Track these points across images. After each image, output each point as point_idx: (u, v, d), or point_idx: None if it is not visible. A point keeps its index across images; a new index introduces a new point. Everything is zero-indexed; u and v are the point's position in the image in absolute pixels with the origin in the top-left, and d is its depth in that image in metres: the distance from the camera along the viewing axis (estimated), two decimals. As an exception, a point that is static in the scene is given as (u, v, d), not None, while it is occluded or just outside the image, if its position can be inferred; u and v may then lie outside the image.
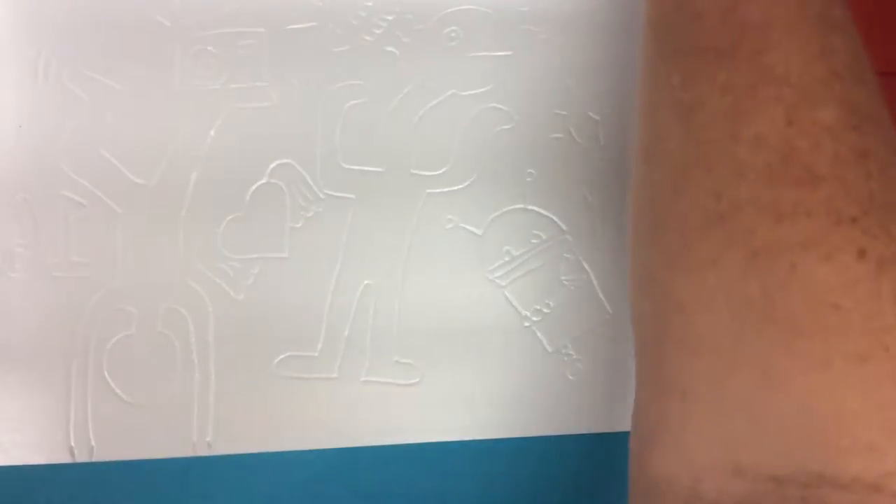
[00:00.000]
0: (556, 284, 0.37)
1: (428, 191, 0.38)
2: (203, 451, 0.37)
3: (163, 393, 0.37)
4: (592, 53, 0.38)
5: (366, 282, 0.37)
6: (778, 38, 0.21)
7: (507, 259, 0.37)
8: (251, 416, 0.37)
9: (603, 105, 0.38)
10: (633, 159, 0.27)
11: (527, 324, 0.37)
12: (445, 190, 0.38)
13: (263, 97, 0.38)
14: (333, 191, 0.38)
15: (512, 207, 0.38)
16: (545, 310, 0.37)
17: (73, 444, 0.37)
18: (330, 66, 0.38)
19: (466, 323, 0.37)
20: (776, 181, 0.20)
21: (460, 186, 0.38)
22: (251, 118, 0.38)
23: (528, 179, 0.38)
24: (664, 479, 0.20)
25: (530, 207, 0.38)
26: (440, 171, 0.38)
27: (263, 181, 0.38)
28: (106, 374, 0.37)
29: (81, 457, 0.37)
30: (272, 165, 0.38)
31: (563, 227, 0.37)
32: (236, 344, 0.37)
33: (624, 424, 0.37)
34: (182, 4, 0.38)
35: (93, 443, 0.37)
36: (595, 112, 0.38)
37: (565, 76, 0.38)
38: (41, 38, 0.38)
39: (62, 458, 0.37)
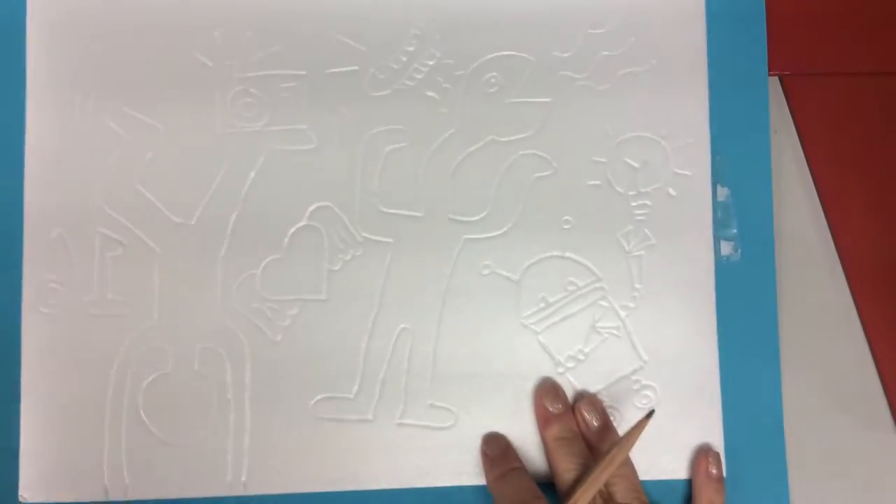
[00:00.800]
0: (591, 332, 0.38)
1: (465, 236, 0.38)
2: (238, 491, 0.37)
3: (198, 432, 0.37)
4: (631, 101, 0.38)
5: (402, 325, 0.38)
6: None
7: (542, 305, 0.38)
8: (286, 456, 0.37)
9: (642, 153, 0.38)
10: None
11: (560, 370, 0.37)
12: (482, 236, 0.38)
13: (304, 140, 0.38)
14: (372, 234, 0.38)
15: (548, 254, 0.38)
16: (579, 356, 0.38)
17: (106, 482, 0.37)
18: (370, 110, 0.38)
19: (501, 368, 0.37)
20: None
21: (497, 233, 0.38)
22: (291, 161, 0.38)
23: (565, 227, 0.38)
24: None
25: (567, 255, 0.38)
26: (478, 217, 0.38)
27: (302, 223, 0.38)
28: (142, 412, 0.37)
29: (115, 495, 0.37)
30: (311, 208, 0.38)
31: (599, 274, 0.38)
32: (272, 385, 0.37)
33: (655, 472, 0.37)
34: (224, 44, 0.38)
35: (127, 481, 0.37)
36: (634, 159, 0.38)
37: (604, 123, 0.38)
38: (81, 75, 0.38)
39: (96, 496, 0.37)
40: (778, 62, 0.39)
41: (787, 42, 0.39)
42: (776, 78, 0.40)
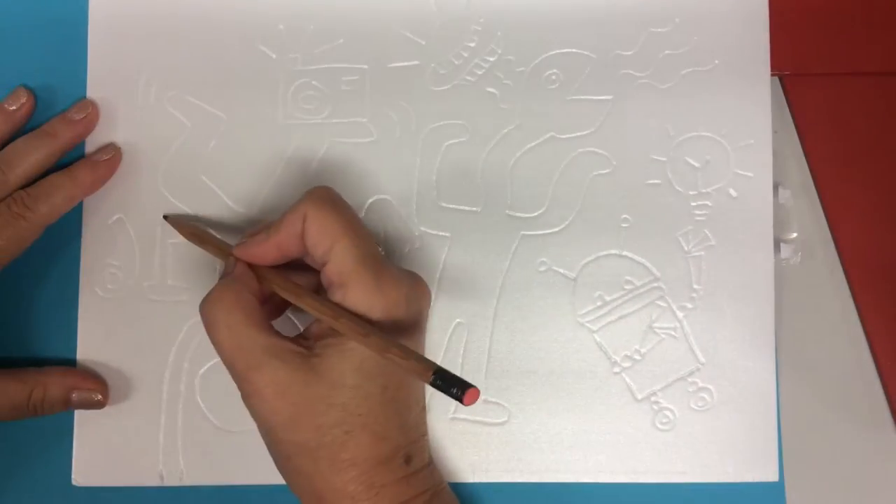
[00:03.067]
0: (648, 332, 0.37)
1: (522, 232, 0.38)
2: (291, 481, 0.37)
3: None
4: (693, 100, 0.38)
5: (457, 320, 0.38)
6: None
7: (598, 304, 0.37)
8: (339, 447, 0.37)
9: (703, 152, 0.38)
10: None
11: (616, 370, 0.37)
12: (540, 232, 0.38)
13: (364, 133, 0.38)
14: (429, 228, 0.38)
15: (606, 253, 0.38)
16: (636, 356, 0.37)
17: (161, 468, 0.37)
18: (430, 104, 0.38)
19: (556, 365, 0.37)
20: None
21: (555, 229, 0.38)
22: (351, 153, 0.38)
23: (623, 225, 0.38)
24: None
25: (624, 253, 0.38)
26: (536, 214, 0.38)
27: (361, 216, 0.38)
28: (198, 399, 0.37)
29: (171, 481, 0.37)
30: (370, 201, 0.38)
31: (657, 274, 0.37)
32: (327, 375, 0.37)
33: (713, 475, 0.37)
34: (288, 37, 0.39)
35: (182, 467, 0.37)
36: (694, 159, 0.38)
37: (665, 122, 0.38)
38: (142, 63, 0.39)
39: (151, 481, 0.37)
40: (778, 62, 0.38)
41: (787, 42, 0.39)
42: (776, 78, 0.39)
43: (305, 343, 0.32)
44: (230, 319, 0.31)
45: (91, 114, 0.38)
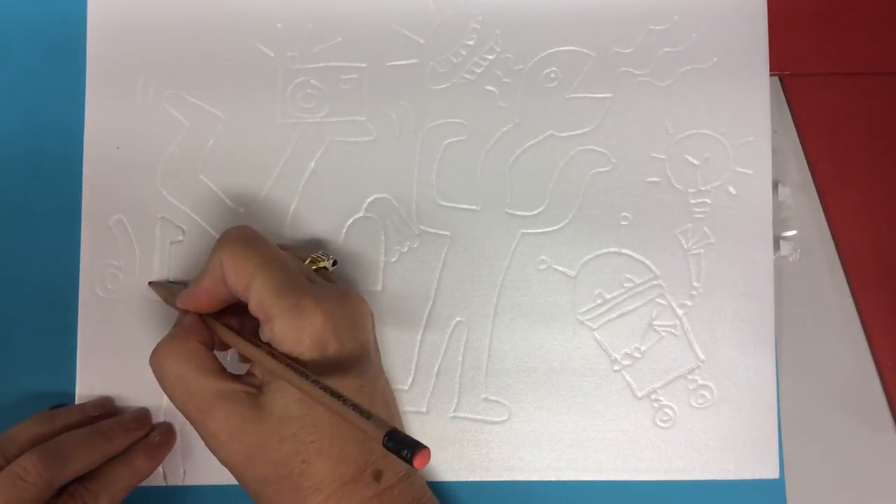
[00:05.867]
0: (648, 330, 0.37)
1: (522, 231, 0.38)
2: (292, 480, 0.37)
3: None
4: (692, 98, 0.38)
5: (457, 318, 0.38)
6: None
7: (598, 302, 0.37)
8: (339, 446, 0.37)
9: (702, 150, 0.38)
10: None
11: (616, 367, 0.37)
12: (540, 231, 0.38)
13: (363, 132, 0.38)
14: (429, 227, 0.38)
15: (606, 251, 0.38)
16: (636, 354, 0.37)
17: (164, 467, 0.37)
18: (429, 103, 0.38)
19: (556, 363, 0.37)
20: None
21: (555, 228, 0.38)
22: (350, 152, 0.38)
23: (623, 223, 0.38)
24: None
25: (624, 251, 0.38)
26: (535, 212, 0.38)
27: (360, 215, 0.38)
28: (199, 399, 0.38)
29: (173, 480, 0.37)
30: (369, 199, 0.38)
31: (657, 271, 0.37)
32: (327, 375, 0.37)
33: (714, 472, 0.37)
34: (287, 36, 0.39)
35: (184, 467, 0.37)
36: (694, 157, 0.38)
37: (664, 119, 0.38)
38: (141, 62, 0.39)
39: (153, 480, 0.37)
40: (778, 62, 0.38)
41: (787, 42, 0.39)
42: (776, 78, 0.39)
43: (254, 381, 0.32)
44: (179, 369, 0.32)
45: (148, 424, 0.37)
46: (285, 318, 0.31)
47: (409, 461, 0.26)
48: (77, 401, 0.38)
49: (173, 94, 0.39)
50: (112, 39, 0.39)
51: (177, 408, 0.32)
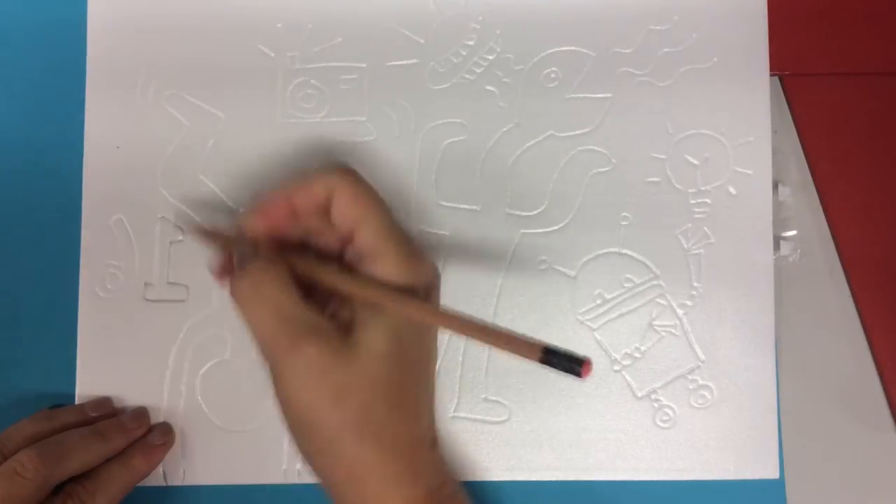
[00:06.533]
0: (648, 329, 0.37)
1: (522, 231, 0.38)
2: (293, 479, 0.37)
3: (255, 420, 0.37)
4: (692, 98, 0.38)
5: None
6: None
7: (598, 302, 0.38)
8: (339, 446, 0.37)
9: (702, 150, 0.38)
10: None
11: (616, 367, 0.37)
12: (540, 231, 0.38)
13: (363, 132, 0.38)
14: (428, 227, 0.38)
15: (606, 251, 0.38)
16: (636, 354, 0.37)
17: (163, 467, 0.37)
18: (429, 103, 0.38)
19: (556, 363, 0.37)
20: None
21: (555, 228, 0.38)
22: (350, 152, 0.38)
23: (623, 223, 0.38)
24: None
25: (624, 251, 0.38)
26: (535, 212, 0.38)
27: (361, 214, 0.38)
28: (199, 398, 0.38)
29: (173, 480, 0.37)
30: (369, 199, 0.38)
31: (657, 272, 0.37)
32: (327, 375, 0.37)
33: (714, 472, 0.37)
34: (287, 36, 0.39)
35: (183, 467, 0.37)
36: (694, 157, 0.38)
37: (664, 119, 0.38)
38: (141, 62, 0.39)
39: (153, 480, 0.37)
40: (778, 62, 0.38)
41: (787, 42, 0.39)
42: (776, 78, 0.39)
43: (343, 319, 0.31)
44: (276, 295, 0.30)
45: (146, 424, 0.37)
46: (399, 258, 0.30)
47: (578, 373, 0.27)
48: (77, 401, 0.38)
49: (173, 94, 0.39)
50: (112, 39, 0.39)
51: (260, 342, 0.30)
